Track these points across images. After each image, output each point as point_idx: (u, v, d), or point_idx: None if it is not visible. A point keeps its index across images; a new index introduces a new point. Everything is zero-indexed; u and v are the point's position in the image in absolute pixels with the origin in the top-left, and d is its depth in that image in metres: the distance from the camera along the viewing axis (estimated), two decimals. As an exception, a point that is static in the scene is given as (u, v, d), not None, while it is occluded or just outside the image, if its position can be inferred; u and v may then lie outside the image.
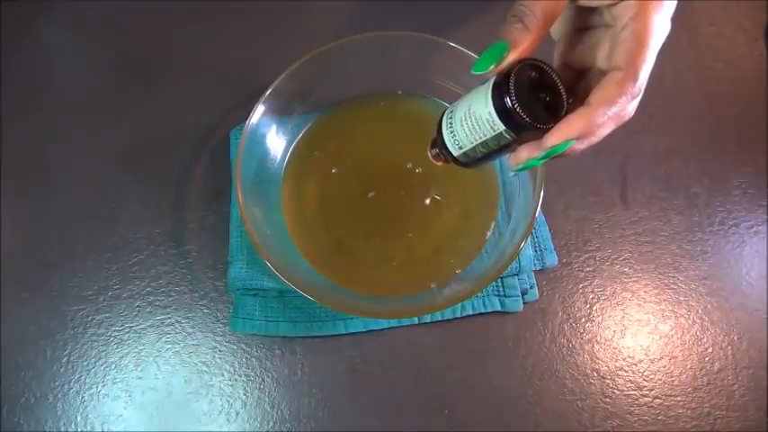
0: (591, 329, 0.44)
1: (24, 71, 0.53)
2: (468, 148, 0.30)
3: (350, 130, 0.48)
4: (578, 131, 0.26)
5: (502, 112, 0.27)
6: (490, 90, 0.27)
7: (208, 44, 0.54)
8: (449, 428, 0.41)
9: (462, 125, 0.29)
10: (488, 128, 0.28)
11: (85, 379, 0.43)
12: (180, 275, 0.46)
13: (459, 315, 0.43)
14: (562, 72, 0.30)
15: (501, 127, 0.27)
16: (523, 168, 0.29)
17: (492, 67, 0.26)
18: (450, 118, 0.30)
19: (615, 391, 0.42)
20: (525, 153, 0.28)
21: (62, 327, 0.44)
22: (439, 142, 0.32)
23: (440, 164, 0.33)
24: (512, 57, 0.26)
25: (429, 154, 0.34)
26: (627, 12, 0.26)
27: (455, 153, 0.31)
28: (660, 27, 0.26)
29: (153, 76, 0.53)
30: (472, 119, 0.29)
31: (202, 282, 0.46)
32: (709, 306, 0.45)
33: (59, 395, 0.43)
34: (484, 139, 0.29)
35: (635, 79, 0.26)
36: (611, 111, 0.26)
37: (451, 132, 0.30)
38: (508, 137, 0.28)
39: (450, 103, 0.31)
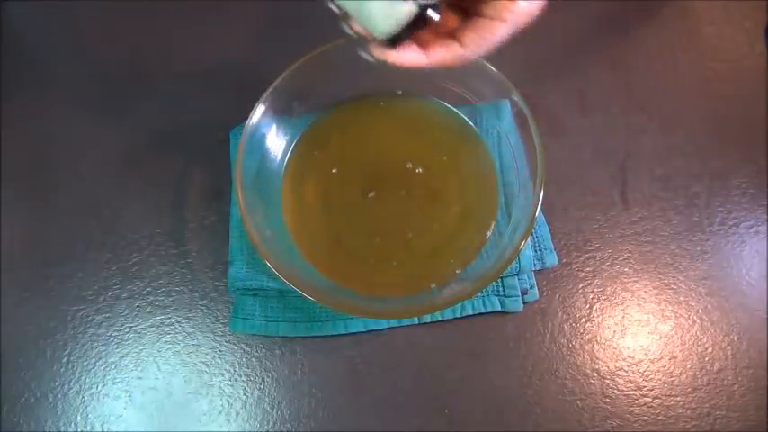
0: (591, 329, 0.44)
1: (24, 71, 0.53)
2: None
3: (350, 130, 0.48)
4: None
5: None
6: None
7: (208, 44, 0.54)
8: (449, 428, 0.41)
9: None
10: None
11: (85, 379, 0.43)
12: (180, 275, 0.46)
13: (459, 315, 0.43)
14: None
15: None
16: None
17: None
18: None
19: (615, 391, 0.42)
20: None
21: (62, 327, 0.44)
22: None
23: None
24: None
25: None
26: None
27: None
28: None
29: (153, 76, 0.53)
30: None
31: (202, 282, 0.46)
32: (709, 306, 0.45)
33: (59, 395, 0.43)
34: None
35: None
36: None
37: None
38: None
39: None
